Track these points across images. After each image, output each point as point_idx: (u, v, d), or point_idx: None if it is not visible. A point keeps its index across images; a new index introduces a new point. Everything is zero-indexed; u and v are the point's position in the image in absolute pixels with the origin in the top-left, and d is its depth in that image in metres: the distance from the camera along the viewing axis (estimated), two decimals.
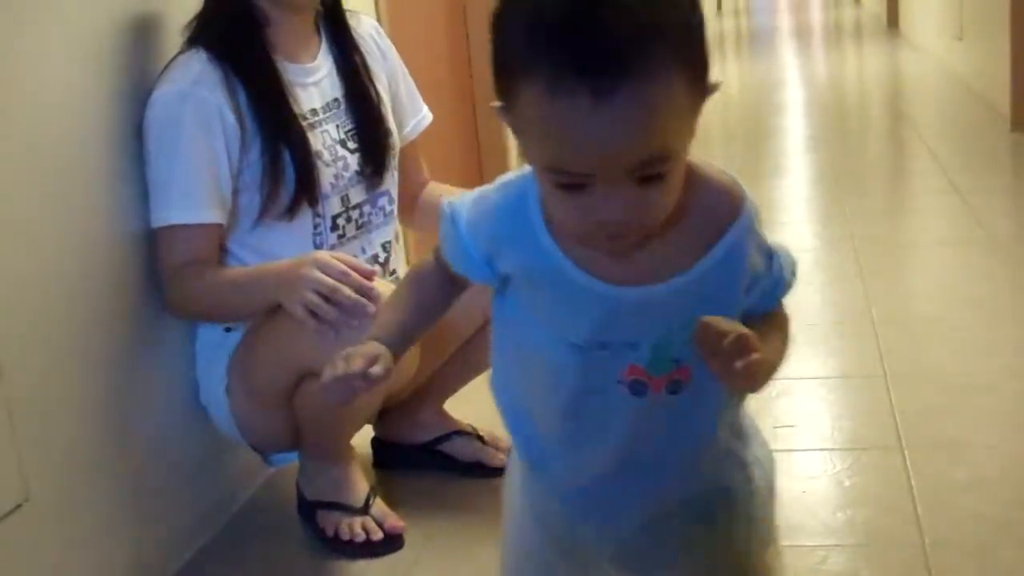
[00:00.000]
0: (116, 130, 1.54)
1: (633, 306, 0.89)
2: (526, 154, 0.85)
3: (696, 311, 0.84)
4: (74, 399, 1.44)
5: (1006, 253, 2.81)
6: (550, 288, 0.90)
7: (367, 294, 1.46)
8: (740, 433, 1.00)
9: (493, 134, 3.32)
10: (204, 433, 1.71)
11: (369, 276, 1.48)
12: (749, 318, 0.90)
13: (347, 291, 1.45)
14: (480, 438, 1.87)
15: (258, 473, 1.88)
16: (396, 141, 1.77)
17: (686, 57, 0.80)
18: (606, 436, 0.94)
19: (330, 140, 1.66)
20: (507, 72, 0.82)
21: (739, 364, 0.79)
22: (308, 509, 1.70)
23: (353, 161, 1.69)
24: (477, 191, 0.95)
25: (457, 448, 1.86)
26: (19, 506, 1.31)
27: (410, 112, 1.85)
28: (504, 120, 0.85)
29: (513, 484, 1.05)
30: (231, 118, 1.55)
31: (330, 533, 1.65)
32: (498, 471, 1.83)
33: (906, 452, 1.80)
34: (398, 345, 0.95)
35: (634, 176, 0.79)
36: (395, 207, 1.78)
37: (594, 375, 0.91)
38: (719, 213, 0.88)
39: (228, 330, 1.65)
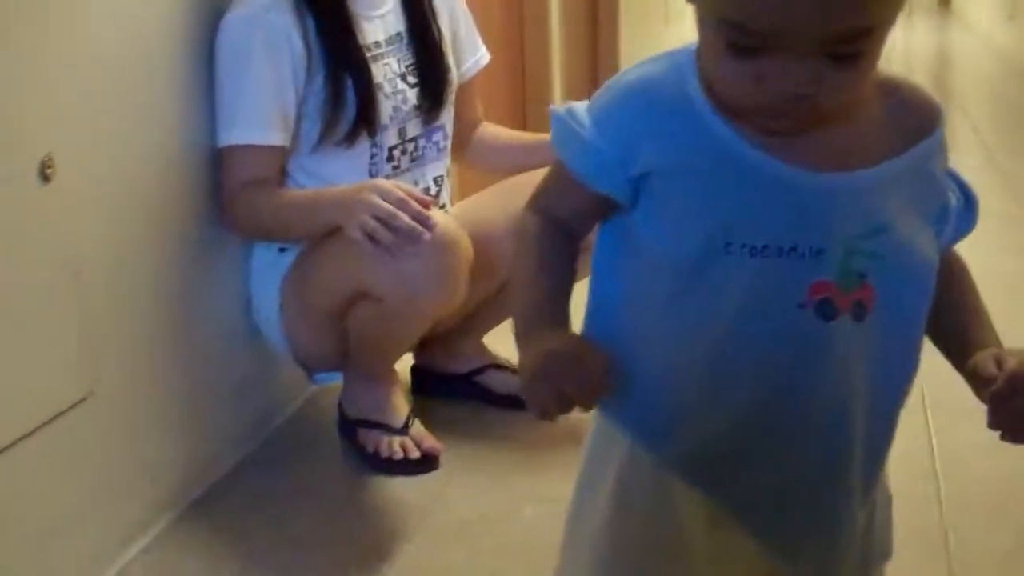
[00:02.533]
0: (189, 51, 1.59)
1: (826, 196, 0.75)
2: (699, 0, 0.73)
3: (895, 212, 0.76)
4: (139, 305, 1.51)
5: None
6: (721, 179, 0.75)
7: (423, 222, 1.51)
8: None
9: (540, 82, 3.35)
10: (254, 347, 1.78)
11: (427, 205, 1.54)
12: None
13: (405, 218, 1.50)
14: (516, 372, 1.93)
15: (302, 390, 1.95)
16: (454, 78, 1.82)
17: None
18: (772, 385, 0.78)
19: (391, 73, 1.71)
20: None
21: None
22: (349, 426, 1.77)
23: (412, 95, 1.74)
24: (601, 89, 0.80)
25: (493, 380, 1.93)
26: (84, 399, 1.39)
27: (468, 51, 1.89)
28: None
29: (604, 491, 0.85)
30: (299, 44, 1.60)
31: (370, 450, 1.72)
32: None
33: (929, 414, 1.85)
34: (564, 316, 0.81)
35: (825, 49, 0.68)
36: (449, 143, 1.83)
37: (768, 291, 0.75)
38: (918, 117, 0.80)
39: (282, 250, 1.71)
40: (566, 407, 0.74)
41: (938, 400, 1.88)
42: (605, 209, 0.82)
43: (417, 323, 1.65)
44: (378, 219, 1.50)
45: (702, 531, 0.84)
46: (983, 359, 0.80)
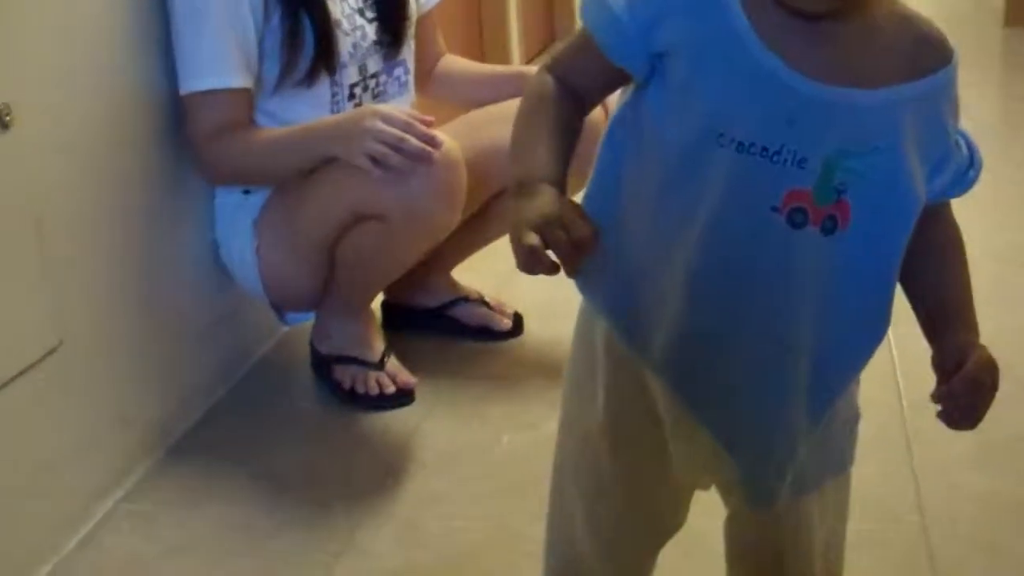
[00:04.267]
0: None
1: (821, 108, 0.76)
2: None
3: (885, 138, 0.77)
4: (104, 253, 1.50)
5: (991, 142, 2.87)
6: (724, 68, 0.77)
7: (430, 141, 1.51)
8: None
9: (496, 13, 3.32)
10: (221, 290, 1.77)
11: (429, 124, 1.53)
12: (927, 212, 0.82)
13: (413, 140, 1.49)
14: (487, 304, 1.94)
15: (271, 332, 1.95)
16: (413, 12, 1.80)
17: None
18: (735, 282, 0.81)
19: (348, 9, 1.69)
20: None
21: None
22: (324, 364, 1.77)
23: (371, 31, 1.72)
24: None
25: (464, 313, 1.94)
26: (53, 350, 1.38)
27: None
28: None
29: (582, 365, 0.93)
30: None
31: (347, 386, 1.72)
32: (503, 335, 1.92)
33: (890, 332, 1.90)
34: (565, 181, 0.80)
35: None
36: (411, 78, 1.81)
37: (747, 189, 0.77)
38: (926, 53, 0.80)
39: (247, 192, 1.70)
40: (548, 261, 0.73)
41: (899, 310, 1.92)
42: (620, 81, 0.83)
43: (421, 243, 1.64)
44: (385, 143, 1.49)
45: (670, 418, 0.89)
46: (944, 358, 0.85)
